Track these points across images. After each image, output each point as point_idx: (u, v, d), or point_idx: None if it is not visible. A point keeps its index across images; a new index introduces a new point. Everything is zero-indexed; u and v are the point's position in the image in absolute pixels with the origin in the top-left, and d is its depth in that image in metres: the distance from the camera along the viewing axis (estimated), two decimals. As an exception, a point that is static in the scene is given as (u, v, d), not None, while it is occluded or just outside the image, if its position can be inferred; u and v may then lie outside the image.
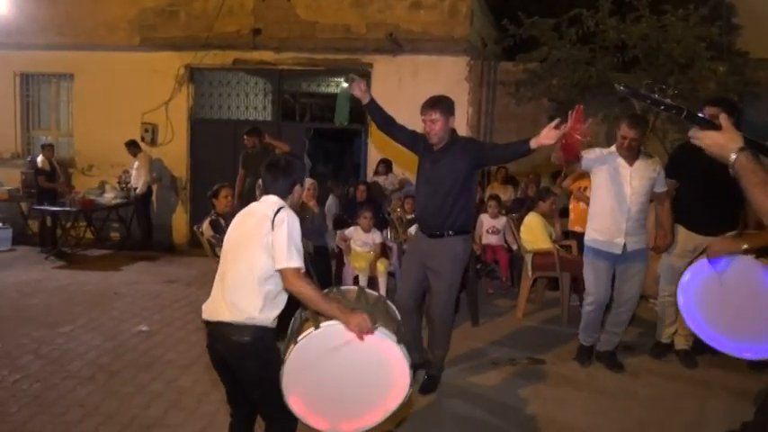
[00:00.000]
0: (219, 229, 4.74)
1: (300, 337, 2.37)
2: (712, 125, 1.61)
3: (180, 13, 8.59)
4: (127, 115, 8.69)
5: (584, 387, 4.07)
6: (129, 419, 3.44)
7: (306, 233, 5.88)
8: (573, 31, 6.81)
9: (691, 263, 3.23)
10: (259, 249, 2.35)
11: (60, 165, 8.79)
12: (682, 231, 4.25)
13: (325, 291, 2.66)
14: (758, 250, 2.91)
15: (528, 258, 5.58)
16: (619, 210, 4.00)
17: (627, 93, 1.70)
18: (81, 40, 8.79)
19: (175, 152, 8.88)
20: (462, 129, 7.97)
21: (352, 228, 5.77)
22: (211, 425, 3.38)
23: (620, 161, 4.00)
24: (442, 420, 3.55)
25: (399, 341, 2.41)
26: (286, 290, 2.40)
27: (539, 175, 7.85)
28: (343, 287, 2.87)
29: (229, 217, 4.95)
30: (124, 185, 8.71)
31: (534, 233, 5.65)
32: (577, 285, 5.42)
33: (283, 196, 2.51)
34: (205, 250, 4.97)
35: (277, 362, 2.39)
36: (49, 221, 8.23)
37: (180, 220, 9.02)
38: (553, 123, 3.29)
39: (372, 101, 3.83)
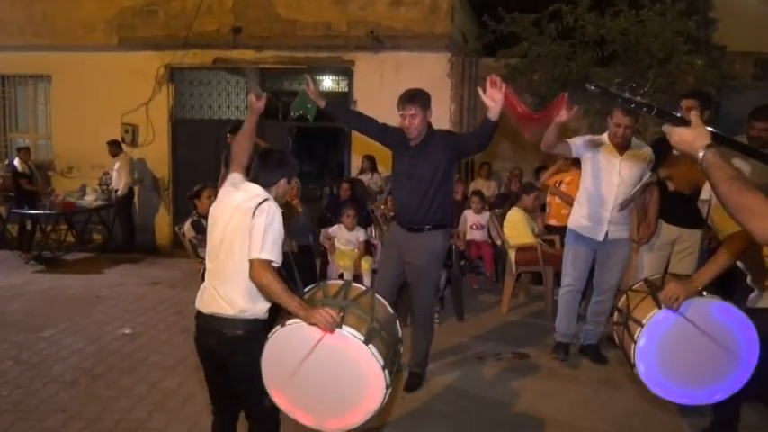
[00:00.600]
0: (201, 230, 4.69)
1: (270, 334, 2.36)
2: (683, 122, 1.61)
3: (158, 13, 8.50)
4: (106, 116, 8.58)
5: (569, 379, 4.11)
6: (113, 423, 3.40)
7: (290, 232, 5.86)
8: (553, 26, 6.85)
9: (643, 325, 2.73)
10: (246, 241, 2.35)
11: (39, 167, 8.66)
12: (661, 224, 4.30)
13: (312, 285, 2.65)
14: (711, 284, 2.71)
15: (511, 253, 5.61)
16: (605, 198, 4.04)
17: (597, 92, 1.70)
18: (58, 40, 8.66)
19: (157, 153, 8.79)
20: (445, 125, 7.97)
21: (335, 226, 5.75)
22: (196, 426, 3.35)
23: (611, 150, 4.02)
24: (427, 416, 3.55)
25: (369, 340, 2.29)
26: (252, 281, 2.34)
27: (521, 170, 7.90)
28: (330, 281, 2.82)
29: (212, 217, 4.93)
30: (105, 187, 8.60)
31: (517, 228, 5.68)
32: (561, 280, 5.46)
33: (267, 187, 2.47)
34: (187, 251, 4.92)
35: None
36: (29, 225, 8.11)
37: (163, 222, 8.94)
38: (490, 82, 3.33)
39: (329, 104, 3.83)
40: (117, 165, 8.31)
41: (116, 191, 8.34)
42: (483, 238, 6.49)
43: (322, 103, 3.78)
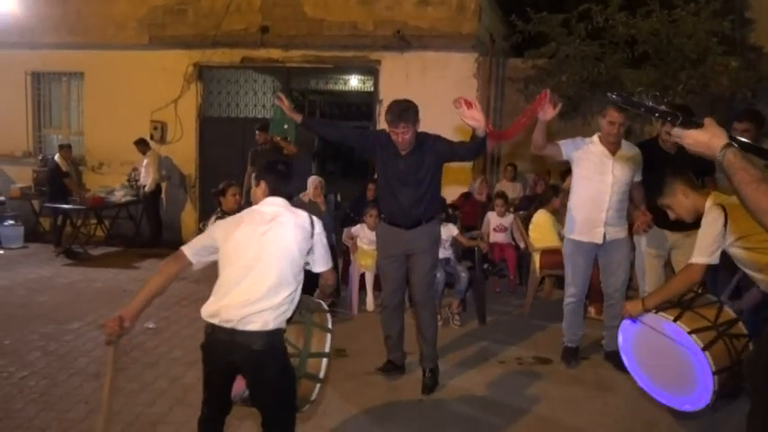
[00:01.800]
0: (225, 227, 4.74)
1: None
2: (698, 125, 1.58)
3: (188, 11, 8.62)
4: (136, 113, 8.74)
5: (591, 386, 4.03)
6: (134, 417, 3.45)
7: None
8: (582, 26, 6.75)
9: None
10: (291, 258, 2.42)
11: (72, 163, 8.86)
12: (656, 230, 4.18)
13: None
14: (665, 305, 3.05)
15: (536, 256, 5.54)
16: (600, 199, 4.00)
17: (619, 101, 1.65)
18: (91, 38, 8.85)
19: (184, 150, 8.92)
20: (471, 126, 7.92)
21: (358, 225, 5.75)
22: (215, 422, 3.37)
23: (603, 150, 3.98)
24: (447, 420, 3.52)
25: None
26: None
27: (548, 172, 7.79)
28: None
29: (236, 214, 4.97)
30: (134, 183, 8.76)
31: (543, 231, 5.60)
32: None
33: (290, 199, 2.56)
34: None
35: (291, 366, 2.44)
36: (60, 219, 8.29)
37: (189, 218, 9.06)
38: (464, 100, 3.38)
39: (306, 117, 3.82)
40: (145, 161, 8.46)
41: (144, 187, 8.48)
42: (506, 241, 6.41)
43: (298, 118, 3.76)
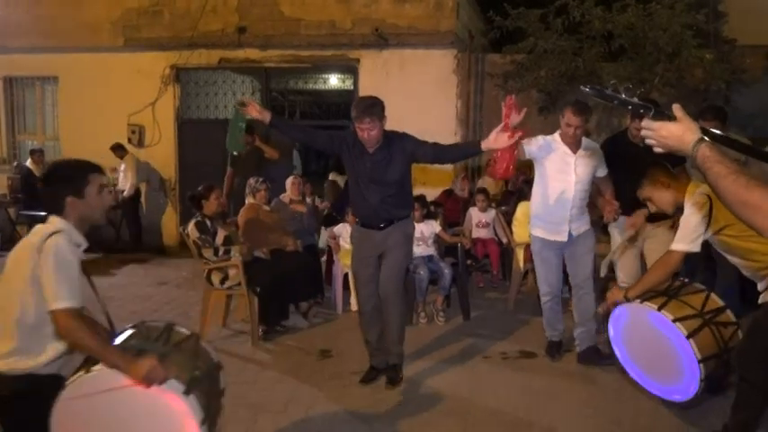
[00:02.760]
0: (205, 230, 4.70)
1: (68, 382, 2.06)
2: (669, 118, 1.53)
3: (164, 13, 8.50)
4: (113, 117, 8.60)
5: (575, 379, 4.06)
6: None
7: (295, 232, 5.83)
8: (559, 21, 6.78)
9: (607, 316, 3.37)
10: (23, 284, 2.05)
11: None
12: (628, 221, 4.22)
13: (133, 325, 2.41)
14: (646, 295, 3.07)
15: (519, 251, 5.56)
16: (564, 198, 4.01)
17: (592, 93, 1.60)
18: (64, 42, 8.68)
19: (163, 153, 8.80)
20: (451, 122, 7.96)
21: (340, 225, 5.73)
22: (199, 428, 3.33)
23: (565, 149, 4.00)
24: (433, 417, 3.52)
25: (189, 392, 2.07)
26: (59, 338, 2.08)
27: (530, 167, 7.81)
28: (150, 323, 2.51)
29: (219, 218, 4.92)
30: (112, 188, 8.63)
31: (525, 226, 5.60)
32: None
33: (58, 213, 2.19)
34: (192, 252, 4.92)
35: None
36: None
37: (170, 222, 8.95)
38: (499, 127, 3.38)
39: (275, 117, 3.75)
40: (123, 166, 8.35)
41: (123, 192, 8.37)
42: (489, 236, 6.43)
43: (267, 117, 3.65)
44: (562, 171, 4.00)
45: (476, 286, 6.28)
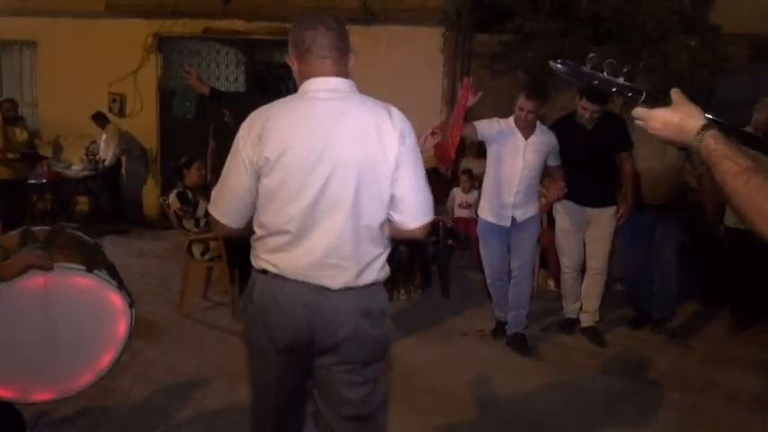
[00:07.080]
0: (186, 201, 4.66)
1: None
2: (665, 103, 1.25)
3: (147, -21, 8.30)
4: (94, 85, 8.42)
5: (549, 359, 4.15)
6: (94, 392, 3.39)
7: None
8: (548, 1, 6.76)
9: None
10: None
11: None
12: (572, 206, 4.29)
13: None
14: None
15: (499, 231, 5.61)
16: (509, 183, 3.99)
17: (564, 71, 1.23)
18: (43, 5, 8.41)
19: (145, 123, 8.66)
20: (438, 101, 7.92)
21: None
22: (178, 396, 3.36)
23: (517, 134, 3.97)
24: (411, 391, 3.57)
25: (91, 269, 2.14)
26: None
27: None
28: (3, 235, 2.51)
29: (200, 190, 4.88)
30: (92, 157, 8.50)
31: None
32: (546, 258, 5.49)
33: None
34: (172, 223, 4.88)
35: None
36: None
37: (151, 193, 8.85)
38: (429, 130, 3.43)
39: (213, 90, 3.76)
40: (104, 136, 8.20)
41: (103, 161, 8.25)
42: (470, 216, 6.47)
43: (206, 90, 3.66)
44: (511, 155, 3.96)
45: (457, 264, 6.34)
